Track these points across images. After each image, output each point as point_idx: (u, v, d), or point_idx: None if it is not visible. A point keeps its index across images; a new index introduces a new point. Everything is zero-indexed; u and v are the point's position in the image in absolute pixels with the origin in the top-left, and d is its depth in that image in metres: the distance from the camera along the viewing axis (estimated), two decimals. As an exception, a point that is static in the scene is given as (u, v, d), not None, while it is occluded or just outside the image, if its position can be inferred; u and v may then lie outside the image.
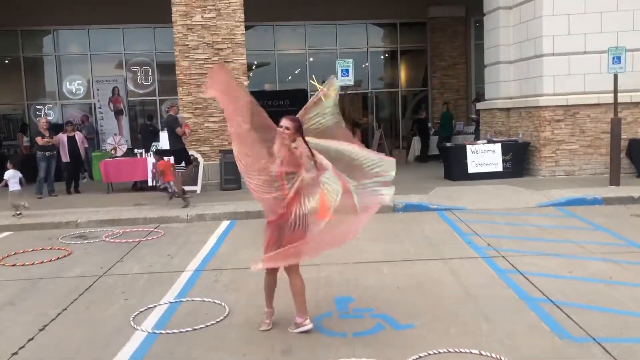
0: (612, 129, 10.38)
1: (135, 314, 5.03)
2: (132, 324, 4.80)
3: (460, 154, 12.03)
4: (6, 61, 17.05)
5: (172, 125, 11.40)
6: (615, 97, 10.16)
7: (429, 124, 17.02)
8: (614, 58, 10.01)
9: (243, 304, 5.19)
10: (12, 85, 16.97)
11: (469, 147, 12.01)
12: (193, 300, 5.38)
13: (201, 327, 4.65)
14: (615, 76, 10.05)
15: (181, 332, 4.59)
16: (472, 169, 11.89)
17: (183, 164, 11.44)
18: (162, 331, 4.62)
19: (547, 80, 11.64)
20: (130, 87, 17.13)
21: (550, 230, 7.60)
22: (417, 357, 3.95)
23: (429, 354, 3.98)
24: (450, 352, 4.01)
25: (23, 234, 8.83)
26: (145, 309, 5.15)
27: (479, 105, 14.53)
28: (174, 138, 11.36)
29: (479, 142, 12.59)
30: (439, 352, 4.00)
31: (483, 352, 3.94)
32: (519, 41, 12.52)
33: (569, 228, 7.68)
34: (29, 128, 15.26)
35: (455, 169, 12.03)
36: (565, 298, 4.96)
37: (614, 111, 10.31)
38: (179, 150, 11.40)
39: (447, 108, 16.59)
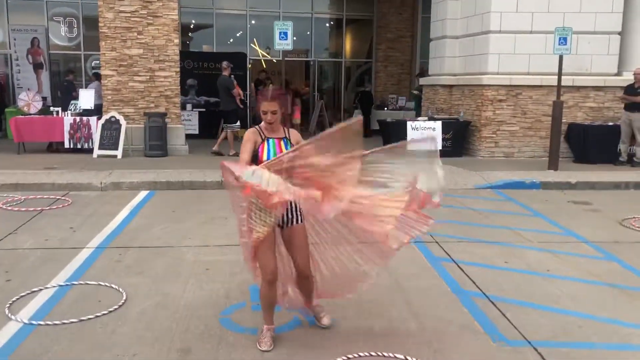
0: (554, 112, 10.16)
1: (14, 299, 4.30)
2: (7, 312, 4.06)
3: (400, 130, 11.58)
4: None
5: (229, 86, 11.49)
6: (559, 79, 9.90)
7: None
8: (560, 39, 9.73)
9: (144, 290, 4.53)
10: None
11: (409, 124, 11.57)
12: (87, 283, 4.67)
13: (89, 318, 3.98)
14: (561, 57, 9.78)
15: (64, 323, 3.91)
16: (411, 146, 11.48)
17: (238, 123, 11.72)
18: (41, 322, 3.92)
19: (492, 58, 11.31)
20: (53, 39, 15.67)
21: (488, 215, 7.26)
22: (335, 362, 3.44)
23: (349, 358, 3.48)
24: (372, 355, 3.52)
25: None
26: (28, 294, 4.42)
27: (422, 81, 14.13)
28: (228, 98, 11.50)
29: (419, 118, 12.19)
30: (360, 356, 3.51)
31: (409, 358, 3.47)
32: (467, 16, 12.11)
33: (507, 213, 7.37)
34: None
35: (394, 145, 11.60)
36: (500, 292, 4.57)
37: (556, 93, 10.07)
38: (232, 111, 11.63)
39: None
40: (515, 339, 3.78)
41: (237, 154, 10.49)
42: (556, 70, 9.87)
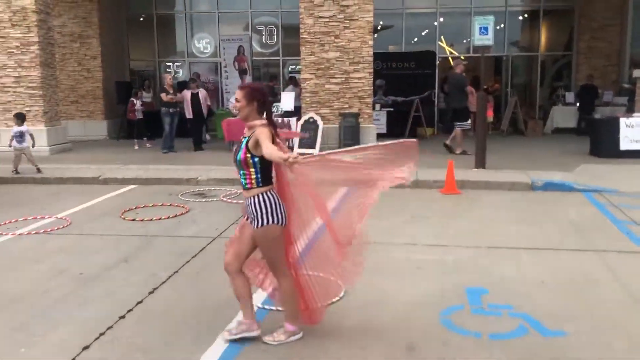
0: None
1: (246, 284, 4.67)
2: (242, 296, 4.44)
3: (611, 128, 10.55)
4: (141, 19, 17.60)
5: (463, 83, 11.54)
6: None
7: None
8: None
9: (362, 283, 4.62)
10: (145, 43, 17.51)
11: (622, 120, 10.49)
12: (307, 273, 4.91)
13: (314, 308, 4.17)
14: None
15: (292, 311, 4.15)
16: (624, 145, 10.39)
17: (469, 122, 11.72)
18: (273, 308, 4.22)
19: None
20: (255, 46, 17.01)
21: None
22: (574, 376, 3.20)
23: (589, 375, 3.21)
24: (616, 374, 3.21)
25: (147, 188, 8.96)
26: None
27: (637, 73, 12.69)
28: (461, 96, 11.57)
29: (635, 114, 10.96)
30: (602, 373, 3.22)
31: (663, 381, 3.10)
32: (696, -3, 10.61)
33: None
34: (152, 85, 15.72)
35: (603, 144, 10.59)
36: None
37: None
38: (464, 109, 11.60)
39: None
40: None
41: (464, 152, 10.70)
42: None
